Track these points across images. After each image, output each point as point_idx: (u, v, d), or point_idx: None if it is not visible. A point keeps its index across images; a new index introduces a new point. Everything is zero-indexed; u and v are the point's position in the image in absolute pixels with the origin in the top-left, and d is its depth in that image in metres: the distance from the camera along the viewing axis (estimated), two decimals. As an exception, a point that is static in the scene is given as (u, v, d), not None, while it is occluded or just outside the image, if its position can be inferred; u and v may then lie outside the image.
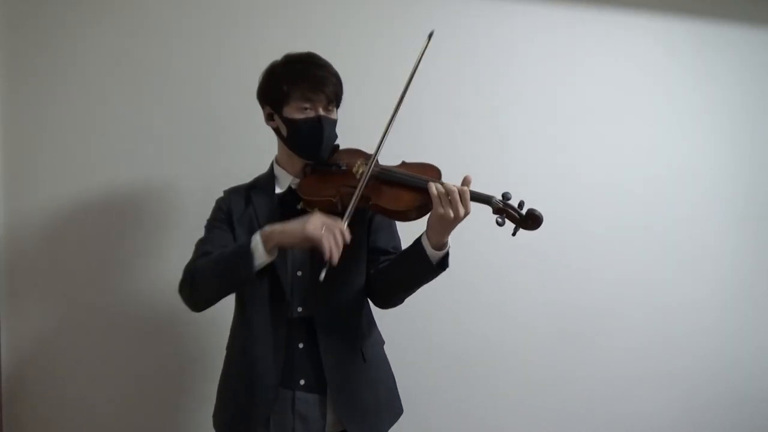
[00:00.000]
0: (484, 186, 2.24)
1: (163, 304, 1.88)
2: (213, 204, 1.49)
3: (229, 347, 1.48)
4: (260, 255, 1.23)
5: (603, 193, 2.26)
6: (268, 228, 1.25)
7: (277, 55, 1.42)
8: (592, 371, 2.26)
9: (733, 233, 2.40)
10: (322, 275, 1.18)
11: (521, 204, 1.29)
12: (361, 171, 1.36)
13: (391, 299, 1.46)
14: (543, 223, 1.27)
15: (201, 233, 1.45)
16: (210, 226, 1.44)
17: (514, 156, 2.17)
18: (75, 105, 1.82)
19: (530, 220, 1.27)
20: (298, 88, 1.33)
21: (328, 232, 1.18)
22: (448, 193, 1.23)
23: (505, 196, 1.29)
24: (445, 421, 2.13)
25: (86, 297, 1.84)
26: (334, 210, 1.32)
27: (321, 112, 1.36)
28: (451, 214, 1.22)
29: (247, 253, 1.23)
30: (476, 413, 2.16)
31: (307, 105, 1.34)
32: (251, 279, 1.25)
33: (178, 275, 1.35)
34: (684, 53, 2.34)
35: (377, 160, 1.36)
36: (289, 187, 1.43)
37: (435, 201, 1.23)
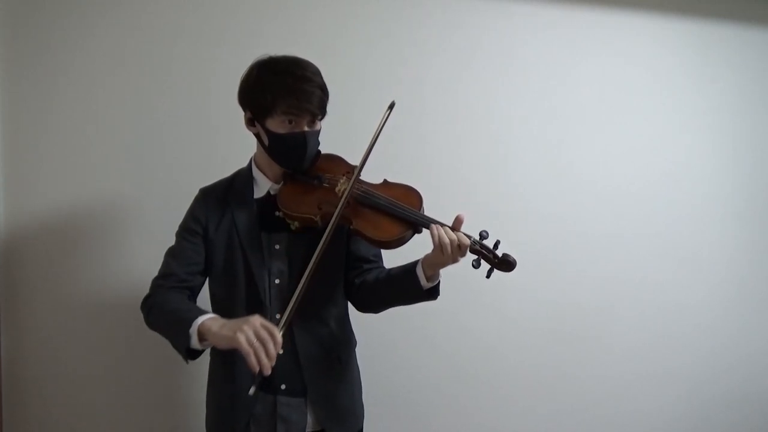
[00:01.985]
0: (483, 187, 2.23)
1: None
2: None
3: (212, 354, 1.50)
4: (195, 342, 1.22)
5: (603, 193, 2.25)
6: (207, 322, 1.21)
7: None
8: (590, 371, 2.26)
9: (732, 233, 2.40)
10: (252, 390, 1.15)
11: (497, 244, 1.31)
12: (344, 189, 1.34)
13: (372, 309, 1.50)
14: (516, 267, 1.29)
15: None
16: (181, 236, 1.43)
17: (514, 156, 2.17)
18: (74, 106, 1.82)
19: (504, 264, 1.30)
20: (283, 102, 1.29)
21: (260, 343, 1.12)
22: (449, 242, 1.25)
23: (482, 235, 1.31)
24: (443, 421, 2.13)
25: (86, 297, 1.84)
26: (314, 227, 1.31)
27: (305, 127, 1.33)
28: (449, 261, 1.27)
29: (185, 335, 1.23)
30: (473, 413, 2.16)
31: (291, 119, 1.31)
32: (187, 355, 1.26)
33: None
34: (684, 53, 2.33)
35: (361, 178, 1.36)
36: (269, 192, 1.42)
37: (435, 245, 1.27)
